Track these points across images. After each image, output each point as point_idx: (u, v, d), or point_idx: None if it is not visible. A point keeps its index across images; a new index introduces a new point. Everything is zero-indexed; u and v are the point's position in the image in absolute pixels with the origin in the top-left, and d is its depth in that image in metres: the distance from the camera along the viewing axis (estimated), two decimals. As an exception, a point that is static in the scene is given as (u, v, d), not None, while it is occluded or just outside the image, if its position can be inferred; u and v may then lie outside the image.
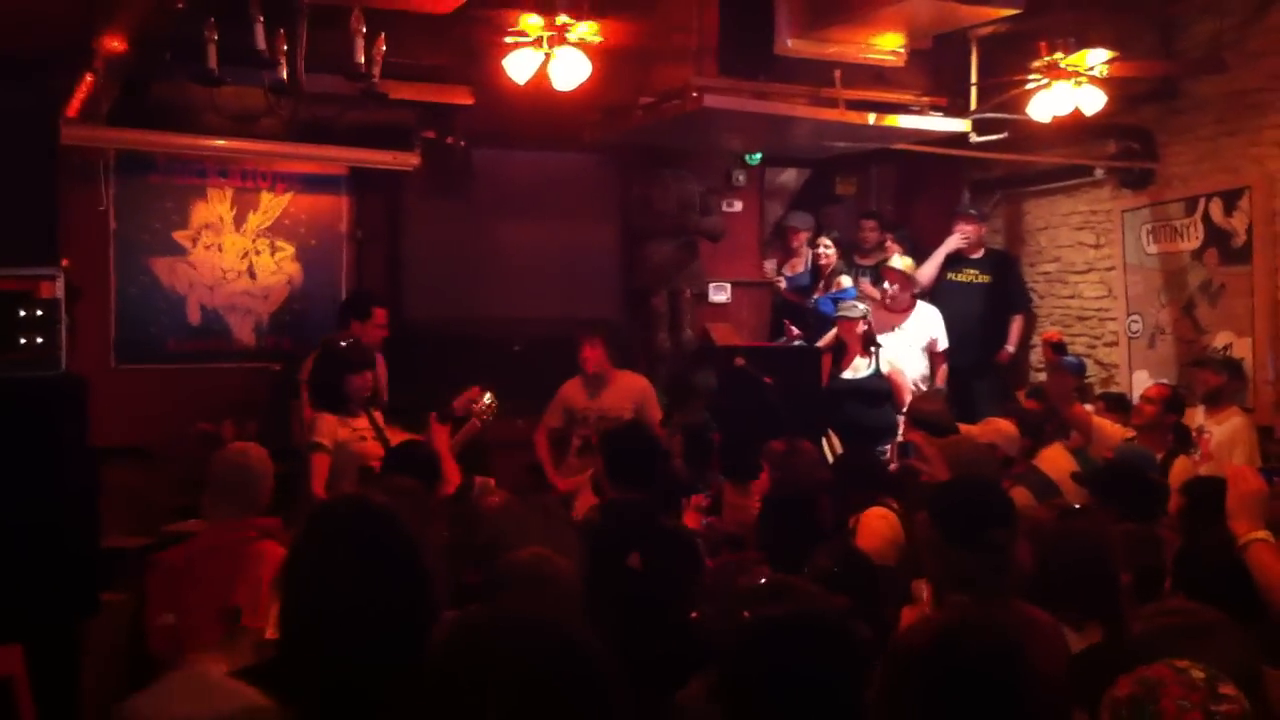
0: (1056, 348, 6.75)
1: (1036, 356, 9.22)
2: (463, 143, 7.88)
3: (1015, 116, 7.96)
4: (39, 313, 4.49)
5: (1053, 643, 3.36)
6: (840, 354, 7.98)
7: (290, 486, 5.21)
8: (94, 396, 4.74)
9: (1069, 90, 7.24)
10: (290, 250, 7.86)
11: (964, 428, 6.03)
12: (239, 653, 3.65)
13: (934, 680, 2.30)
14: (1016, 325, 9.08)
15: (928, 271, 8.76)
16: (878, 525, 4.89)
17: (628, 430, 5.44)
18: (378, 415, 5.96)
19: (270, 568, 3.92)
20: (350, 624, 2.33)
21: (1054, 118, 7.41)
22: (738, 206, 9.27)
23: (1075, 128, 7.90)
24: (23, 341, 4.47)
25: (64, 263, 4.65)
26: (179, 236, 7.55)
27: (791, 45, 7.40)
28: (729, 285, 9.20)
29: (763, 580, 3.35)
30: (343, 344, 6.04)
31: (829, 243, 8.98)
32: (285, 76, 5.44)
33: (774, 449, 5.31)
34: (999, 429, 6.05)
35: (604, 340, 7.14)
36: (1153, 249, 8.26)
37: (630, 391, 7.16)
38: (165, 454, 6.54)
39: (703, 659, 3.16)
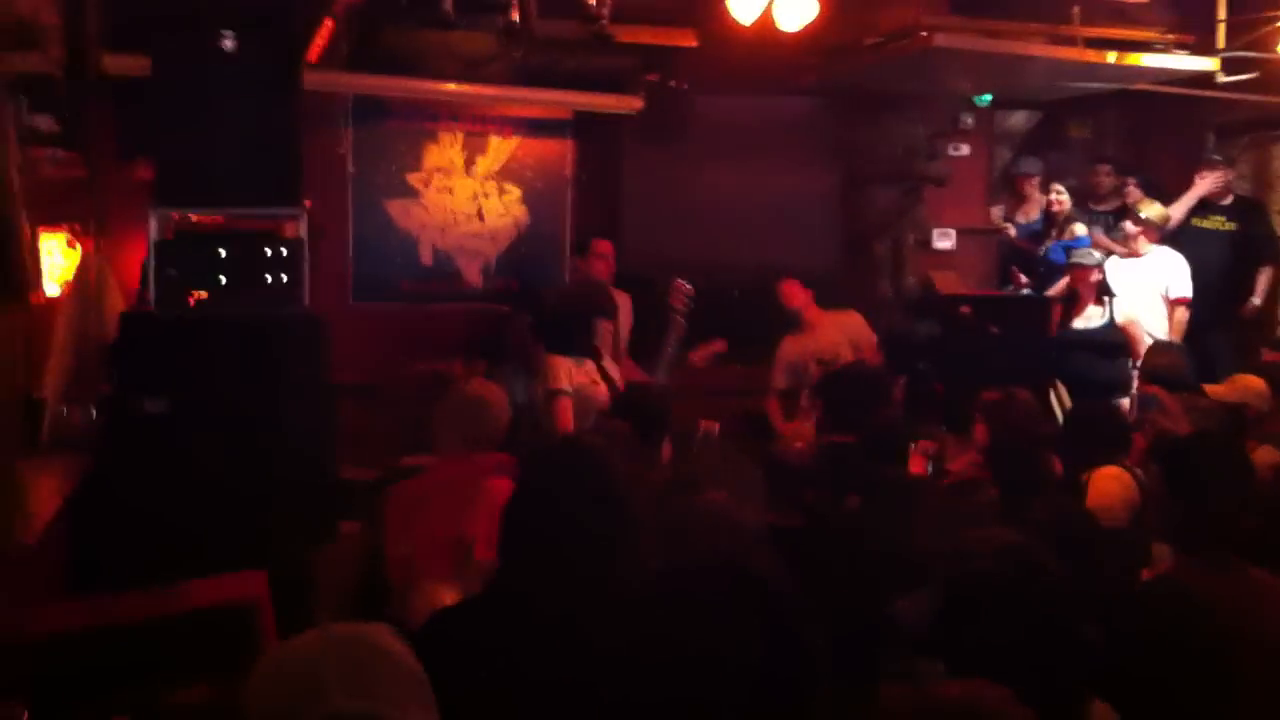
0: None
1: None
2: (685, 86, 7.85)
3: (1267, 55, 7.49)
4: (284, 251, 4.65)
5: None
6: (1072, 303, 7.69)
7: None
8: (333, 335, 4.90)
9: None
10: (517, 193, 8.00)
11: (1210, 388, 5.70)
12: (469, 583, 3.75)
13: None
14: (1264, 276, 8.54)
15: (1175, 216, 8.32)
16: (1109, 485, 4.68)
17: (846, 373, 5.38)
18: (605, 362, 6.03)
19: (502, 501, 4.01)
20: (557, 558, 2.44)
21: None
22: (964, 150, 9.01)
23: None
24: (269, 279, 4.64)
25: (306, 204, 4.79)
26: (412, 179, 7.77)
27: (1027, -21, 7.12)
28: (954, 232, 8.96)
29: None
30: (589, 289, 6.08)
31: (1061, 189, 8.64)
32: (517, 19, 5.49)
33: (988, 399, 5.15)
34: (1248, 386, 5.66)
35: (798, 280, 7.06)
36: None
37: (842, 327, 7.07)
38: (397, 390, 6.74)
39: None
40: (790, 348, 7.07)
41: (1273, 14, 7.02)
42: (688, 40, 7.45)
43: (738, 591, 1.90)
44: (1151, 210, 7.98)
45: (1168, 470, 3.64)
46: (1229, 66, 7.82)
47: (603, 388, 5.83)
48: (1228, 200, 8.53)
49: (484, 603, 2.75)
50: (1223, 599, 2.55)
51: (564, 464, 2.79)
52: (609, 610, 2.26)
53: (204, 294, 4.56)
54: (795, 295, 7.06)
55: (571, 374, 5.82)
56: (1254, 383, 5.69)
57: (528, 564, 2.60)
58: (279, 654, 1.83)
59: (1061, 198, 8.61)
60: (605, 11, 5.68)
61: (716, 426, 5.57)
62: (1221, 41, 7.75)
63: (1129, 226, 7.98)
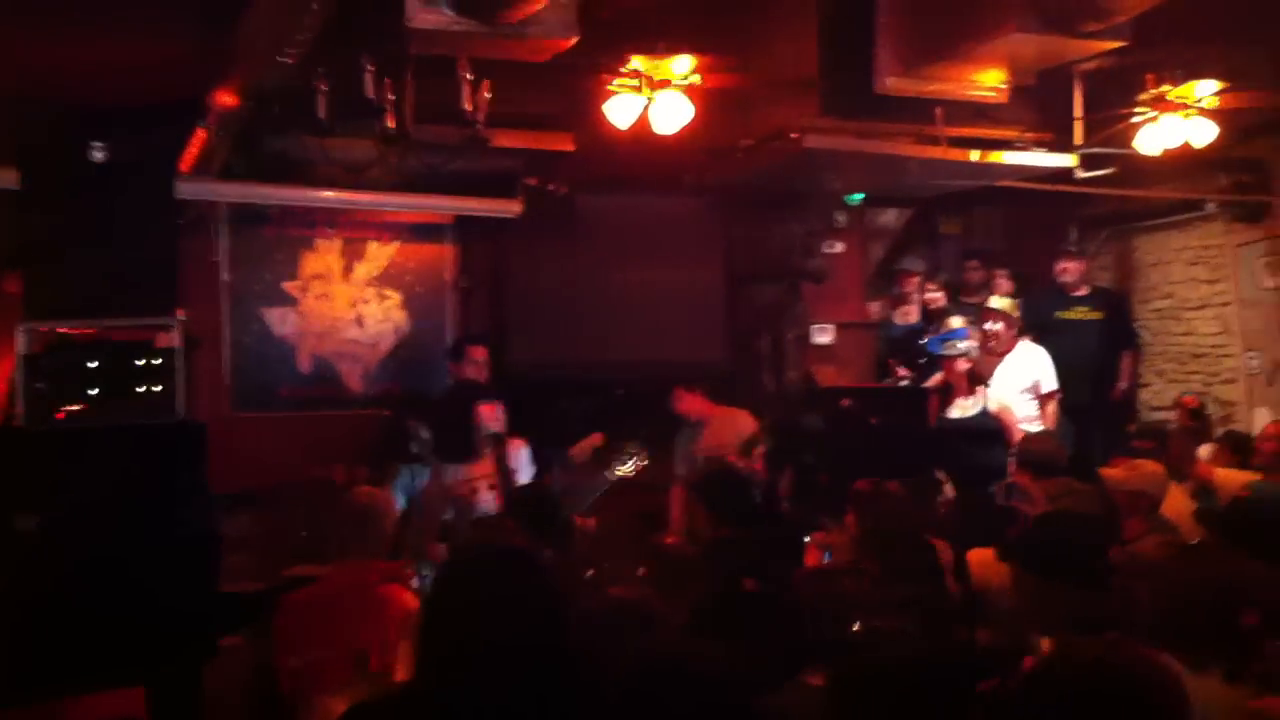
0: (1194, 413, 6.53)
1: (1149, 394, 9.03)
2: (565, 189, 7.93)
3: (1123, 151, 7.79)
4: (156, 361, 4.58)
5: (1168, 684, 3.25)
6: (947, 394, 7.86)
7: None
8: (211, 444, 4.81)
9: (1178, 123, 7.08)
10: (398, 298, 7.98)
11: (1107, 472, 5.76)
12: (363, 696, 3.66)
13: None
14: (1128, 362, 8.88)
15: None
16: (979, 569, 4.77)
17: (723, 472, 5.40)
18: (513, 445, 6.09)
19: (397, 611, 3.94)
20: (488, 664, 2.40)
21: (1164, 151, 7.25)
22: (839, 248, 9.21)
23: (1185, 161, 7.70)
24: (140, 390, 4.56)
25: (180, 313, 4.72)
26: (289, 287, 7.71)
27: (892, 84, 7.30)
28: (833, 327, 9.12)
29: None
30: (456, 390, 6.09)
31: (934, 286, 8.88)
32: (394, 125, 5.52)
33: (858, 490, 5.22)
34: (1143, 472, 5.60)
35: (699, 389, 7.18)
36: (1269, 283, 8.03)
37: (733, 426, 7.15)
38: (280, 500, 6.62)
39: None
40: (689, 442, 7.14)
41: (1127, 111, 7.32)
42: (565, 145, 7.54)
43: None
44: (1000, 301, 8.20)
45: (1023, 555, 3.71)
46: (1087, 163, 8.13)
47: (484, 490, 5.80)
48: (1086, 291, 8.83)
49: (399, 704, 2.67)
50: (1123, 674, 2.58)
51: (493, 569, 2.71)
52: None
53: (75, 406, 4.45)
54: (691, 404, 7.14)
55: (449, 478, 5.82)
56: (1150, 467, 5.71)
57: (452, 672, 2.51)
58: None
59: (935, 294, 8.83)
60: (481, 116, 5.72)
61: (593, 522, 5.56)
62: (1079, 138, 8.06)
63: (988, 326, 8.14)
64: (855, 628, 3.41)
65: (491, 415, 6.01)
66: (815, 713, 3.11)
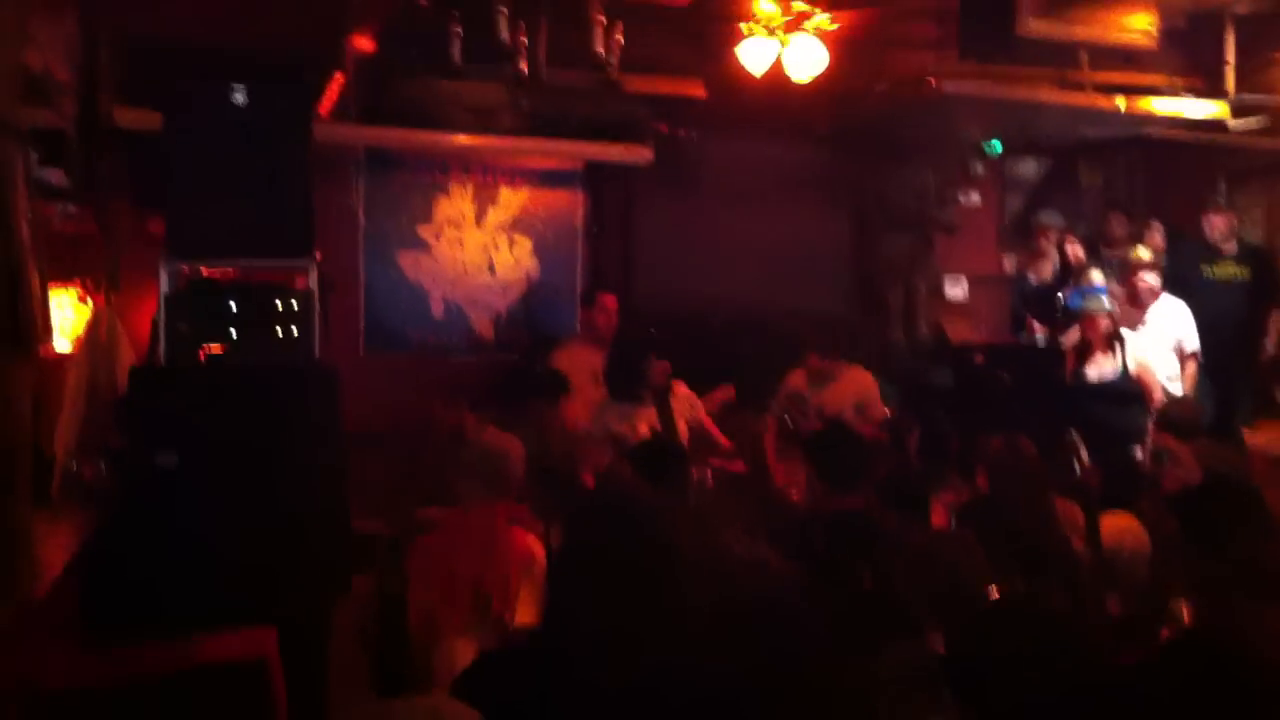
0: None
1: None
2: (695, 135, 7.87)
3: (1277, 99, 7.48)
4: (295, 304, 4.63)
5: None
6: (1084, 352, 7.63)
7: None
8: (344, 386, 4.87)
9: (1340, 68, 6.77)
10: (528, 245, 8.01)
11: (1249, 436, 5.58)
12: (488, 637, 3.72)
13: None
14: (1276, 322, 8.52)
15: None
16: (1115, 535, 4.64)
17: (840, 436, 5.30)
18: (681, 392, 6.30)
19: (517, 554, 3.98)
20: (608, 617, 2.40)
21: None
22: (975, 198, 8.99)
23: (1344, 110, 7.37)
24: (280, 332, 4.62)
25: (318, 256, 4.78)
26: (423, 231, 7.78)
27: (1034, 26, 7.12)
28: (965, 279, 8.92)
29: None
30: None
31: (1076, 239, 8.61)
32: (526, 69, 5.51)
33: (989, 447, 5.09)
34: None
35: (830, 344, 7.10)
36: None
37: (854, 387, 7.04)
38: (409, 441, 6.71)
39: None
40: (799, 384, 7.05)
41: (1280, 55, 7.01)
42: (697, 90, 7.46)
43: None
44: (1145, 251, 7.87)
45: (1183, 519, 3.59)
46: (1238, 111, 7.81)
47: (641, 431, 5.98)
48: (1233, 247, 8.49)
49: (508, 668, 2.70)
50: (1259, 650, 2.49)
51: (615, 516, 2.72)
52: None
53: (216, 347, 4.53)
54: (813, 363, 7.06)
55: (608, 415, 6.05)
56: None
57: (577, 620, 2.53)
58: None
59: (1076, 247, 8.57)
60: (614, 60, 5.69)
61: (709, 473, 5.55)
62: (1231, 86, 7.74)
63: (1140, 276, 7.81)
64: (991, 592, 3.33)
65: (659, 372, 6.24)
66: (931, 676, 3.06)
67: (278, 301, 4.60)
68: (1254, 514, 3.57)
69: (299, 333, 4.60)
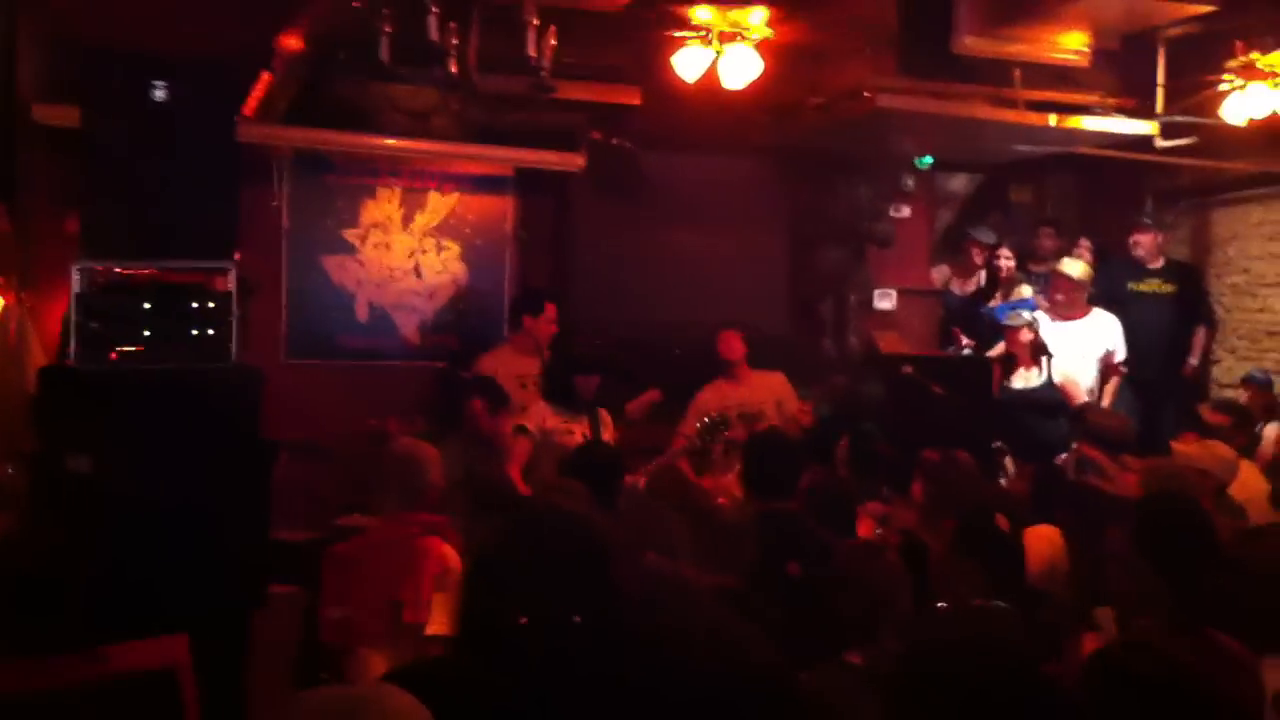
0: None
1: (1220, 371, 8.83)
2: (629, 144, 7.81)
3: (1206, 120, 7.57)
4: (211, 305, 4.53)
5: (1246, 676, 3.12)
6: (1010, 364, 7.69)
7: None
8: (266, 391, 4.77)
9: (1266, 92, 6.86)
10: (456, 250, 7.91)
11: (1180, 447, 5.62)
12: (402, 647, 3.65)
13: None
14: (1200, 338, 8.65)
15: None
16: (1038, 546, 4.64)
17: (773, 438, 5.30)
18: (605, 416, 6.30)
19: (434, 564, 3.91)
20: (528, 629, 2.32)
21: (1249, 122, 7.02)
22: (906, 212, 9.01)
23: (1270, 133, 7.46)
24: (195, 333, 4.51)
25: (236, 256, 4.67)
26: (349, 235, 7.65)
27: (970, 43, 7.15)
28: (895, 292, 8.95)
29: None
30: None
31: (1009, 253, 8.67)
32: (457, 71, 5.43)
33: (927, 459, 5.09)
34: (1214, 452, 5.44)
35: (741, 334, 7.14)
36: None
37: (768, 386, 7.09)
38: (333, 449, 6.60)
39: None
40: (709, 396, 7.01)
41: (1212, 79, 7.09)
42: (632, 98, 7.41)
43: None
44: (1073, 267, 7.92)
45: (1135, 533, 3.59)
46: (1167, 132, 7.90)
47: (576, 438, 5.94)
48: (1160, 264, 8.58)
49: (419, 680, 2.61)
50: (1193, 664, 2.48)
51: (548, 535, 2.63)
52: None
53: (129, 347, 4.40)
54: (735, 348, 7.07)
55: (545, 419, 6.10)
56: (1220, 449, 5.54)
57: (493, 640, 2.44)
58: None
59: (1007, 261, 8.64)
60: (546, 64, 5.62)
61: (641, 481, 5.52)
62: (1161, 106, 7.84)
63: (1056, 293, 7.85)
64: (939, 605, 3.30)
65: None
66: (854, 692, 3.02)
67: (193, 303, 4.49)
68: (1198, 527, 3.59)
69: (215, 335, 4.50)
